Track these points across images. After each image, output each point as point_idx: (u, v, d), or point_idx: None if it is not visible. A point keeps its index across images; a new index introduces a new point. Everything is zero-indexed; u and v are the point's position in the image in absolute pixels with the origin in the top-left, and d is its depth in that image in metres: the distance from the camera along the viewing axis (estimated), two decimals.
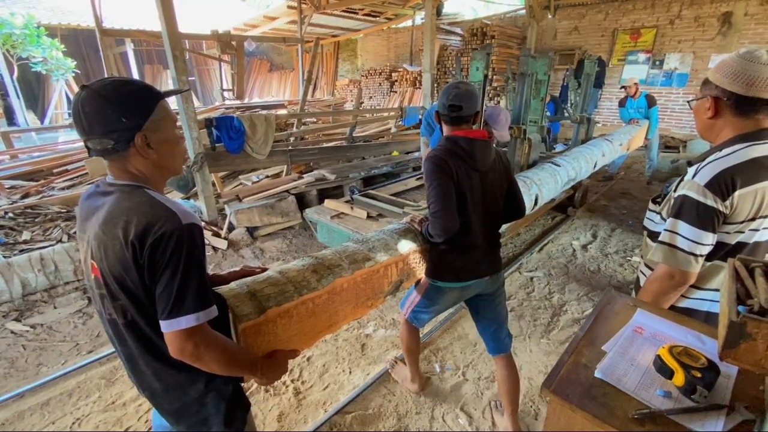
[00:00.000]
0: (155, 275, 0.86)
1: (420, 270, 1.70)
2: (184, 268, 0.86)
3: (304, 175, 4.84)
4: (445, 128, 1.61)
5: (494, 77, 8.62)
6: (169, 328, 0.86)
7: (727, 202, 1.07)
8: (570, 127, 5.81)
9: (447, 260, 1.60)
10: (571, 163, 3.42)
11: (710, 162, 1.11)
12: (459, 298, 1.74)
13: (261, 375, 1.04)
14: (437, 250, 1.62)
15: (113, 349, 2.36)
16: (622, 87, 5.36)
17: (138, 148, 0.89)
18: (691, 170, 1.16)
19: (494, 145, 1.66)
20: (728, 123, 1.12)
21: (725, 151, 1.10)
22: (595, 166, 3.85)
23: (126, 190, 0.90)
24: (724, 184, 1.06)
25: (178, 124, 2.79)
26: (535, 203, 2.85)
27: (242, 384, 1.13)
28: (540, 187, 2.88)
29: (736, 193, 1.06)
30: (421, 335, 2.50)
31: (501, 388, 1.79)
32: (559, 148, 5.42)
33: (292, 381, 2.17)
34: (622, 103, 5.52)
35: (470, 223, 1.54)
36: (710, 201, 1.07)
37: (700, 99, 1.16)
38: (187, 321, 0.86)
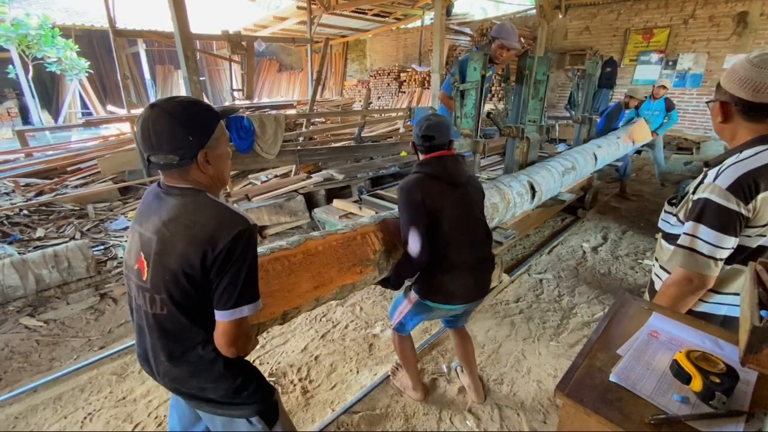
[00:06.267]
0: (224, 269, 0.91)
1: None
2: (251, 263, 0.95)
3: (312, 175, 4.85)
4: (420, 157, 1.71)
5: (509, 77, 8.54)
6: (231, 316, 0.93)
7: (750, 206, 1.04)
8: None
9: (438, 281, 1.62)
10: (565, 158, 3.44)
11: (732, 164, 1.08)
12: (446, 315, 1.86)
13: None
14: (429, 270, 1.63)
15: (124, 345, 2.41)
16: (661, 86, 5.11)
17: (199, 164, 0.96)
18: (711, 173, 1.13)
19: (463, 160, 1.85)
20: (741, 127, 1.11)
21: (746, 153, 1.07)
22: (596, 160, 3.80)
23: (189, 193, 0.98)
24: (747, 186, 1.03)
25: None
26: (534, 195, 2.88)
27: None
28: (535, 177, 2.96)
29: (759, 196, 1.03)
30: (428, 336, 2.50)
31: (459, 352, 2.00)
32: (561, 147, 5.35)
33: (300, 380, 2.18)
34: (637, 105, 5.36)
35: (455, 240, 1.58)
36: (733, 204, 1.04)
37: (713, 102, 1.17)
38: (249, 309, 0.95)
